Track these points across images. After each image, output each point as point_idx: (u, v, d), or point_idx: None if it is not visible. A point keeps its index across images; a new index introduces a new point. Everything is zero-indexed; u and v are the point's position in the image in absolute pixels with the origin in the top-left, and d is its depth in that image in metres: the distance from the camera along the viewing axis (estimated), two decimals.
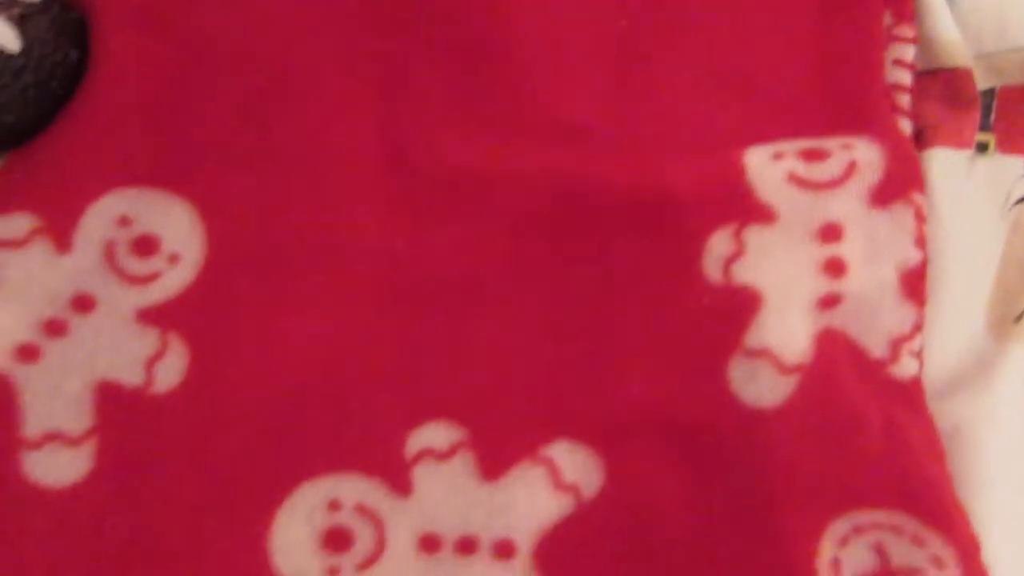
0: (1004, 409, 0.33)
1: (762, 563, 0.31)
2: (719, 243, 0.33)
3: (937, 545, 0.31)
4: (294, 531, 0.32)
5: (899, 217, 0.33)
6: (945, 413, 0.33)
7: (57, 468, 0.32)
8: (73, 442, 0.33)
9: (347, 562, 0.32)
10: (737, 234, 0.34)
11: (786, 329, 0.32)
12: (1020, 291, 0.34)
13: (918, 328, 0.33)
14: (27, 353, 0.33)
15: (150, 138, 0.35)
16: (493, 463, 0.33)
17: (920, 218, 0.34)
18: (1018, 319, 0.34)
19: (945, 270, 0.34)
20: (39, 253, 0.34)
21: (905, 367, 0.33)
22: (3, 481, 0.32)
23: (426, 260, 0.34)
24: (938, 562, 0.31)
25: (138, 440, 0.33)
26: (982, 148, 0.35)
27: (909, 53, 0.36)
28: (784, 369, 0.32)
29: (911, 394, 0.33)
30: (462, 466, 0.33)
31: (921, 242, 0.34)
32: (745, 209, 0.34)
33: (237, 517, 0.32)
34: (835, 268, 0.33)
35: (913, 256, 0.33)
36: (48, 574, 0.32)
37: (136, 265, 0.34)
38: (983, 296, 0.34)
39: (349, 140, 0.35)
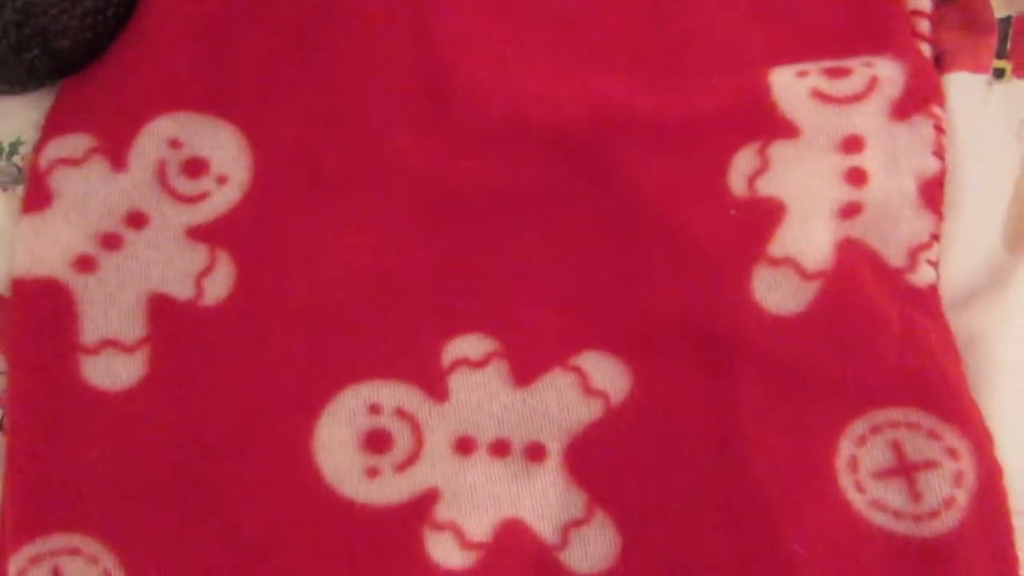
0: (1018, 318, 0.34)
1: (783, 463, 0.33)
2: (744, 160, 0.35)
3: (952, 437, 0.32)
4: (336, 432, 0.34)
5: (919, 128, 0.35)
6: (961, 324, 0.34)
7: (113, 373, 0.34)
8: (128, 349, 0.34)
9: (386, 462, 0.34)
10: (762, 151, 0.35)
11: (809, 237, 0.34)
12: None
13: (935, 237, 0.34)
14: (85, 264, 0.35)
15: (200, 65, 0.37)
16: (525, 371, 0.34)
17: (939, 130, 0.35)
18: None
19: (962, 189, 0.35)
20: (96, 171, 0.36)
21: (923, 275, 0.34)
22: (63, 383, 0.34)
23: (462, 180, 0.36)
24: (952, 453, 0.32)
25: (189, 348, 0.35)
26: (999, 74, 0.36)
27: None
28: (806, 275, 0.33)
29: (928, 301, 0.34)
30: (495, 374, 0.34)
31: (940, 152, 0.35)
32: (770, 126, 0.35)
33: (283, 419, 0.34)
34: (857, 177, 0.34)
35: (932, 166, 0.35)
36: (105, 469, 0.33)
37: (186, 185, 0.36)
38: (999, 213, 0.35)
39: (390, 66, 0.37)
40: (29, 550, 0.33)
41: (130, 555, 0.33)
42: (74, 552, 0.33)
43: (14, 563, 0.33)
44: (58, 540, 0.33)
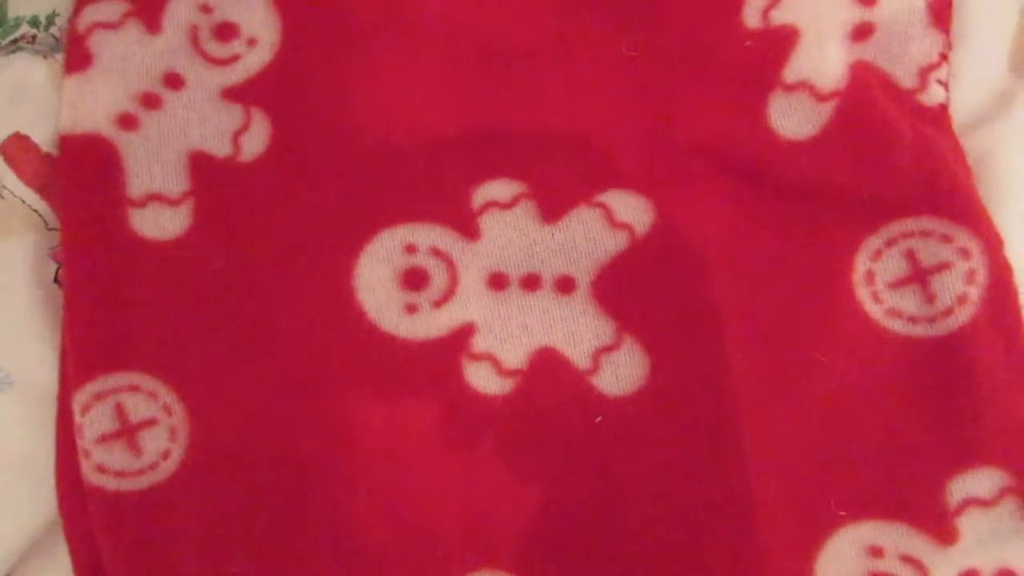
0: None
1: (802, 281, 0.34)
2: None
3: (964, 238, 0.34)
4: (376, 271, 0.36)
5: None
6: (970, 145, 0.35)
7: (160, 224, 0.36)
8: (172, 203, 0.36)
9: (424, 299, 0.36)
10: None
11: (822, 59, 0.35)
12: None
13: (944, 57, 0.35)
14: (127, 122, 0.36)
15: None
16: (552, 209, 0.36)
17: None
18: None
19: (969, 15, 0.36)
20: (132, 33, 0.37)
21: (933, 94, 0.35)
22: (114, 233, 0.36)
23: (484, 29, 0.37)
24: (964, 253, 0.34)
25: (230, 201, 0.36)
26: None
27: None
28: (820, 96, 0.35)
29: (939, 118, 0.35)
30: (524, 212, 0.36)
31: None
32: None
33: (324, 260, 0.36)
34: None
35: None
36: (159, 311, 0.35)
37: (218, 49, 0.37)
38: (1006, 40, 0.36)
39: None
40: (92, 387, 0.35)
41: (187, 390, 0.35)
42: (134, 389, 0.35)
43: (78, 400, 0.35)
44: (119, 378, 0.35)
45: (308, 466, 0.35)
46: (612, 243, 0.35)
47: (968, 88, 0.36)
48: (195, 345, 0.35)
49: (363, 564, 0.35)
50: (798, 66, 0.35)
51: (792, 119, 0.35)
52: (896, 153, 0.34)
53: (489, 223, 0.36)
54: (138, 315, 0.35)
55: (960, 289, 0.33)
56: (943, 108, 0.35)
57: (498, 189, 0.36)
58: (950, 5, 0.35)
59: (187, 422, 0.35)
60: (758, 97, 0.35)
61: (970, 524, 0.34)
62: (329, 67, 0.37)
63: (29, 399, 0.36)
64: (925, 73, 0.35)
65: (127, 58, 0.37)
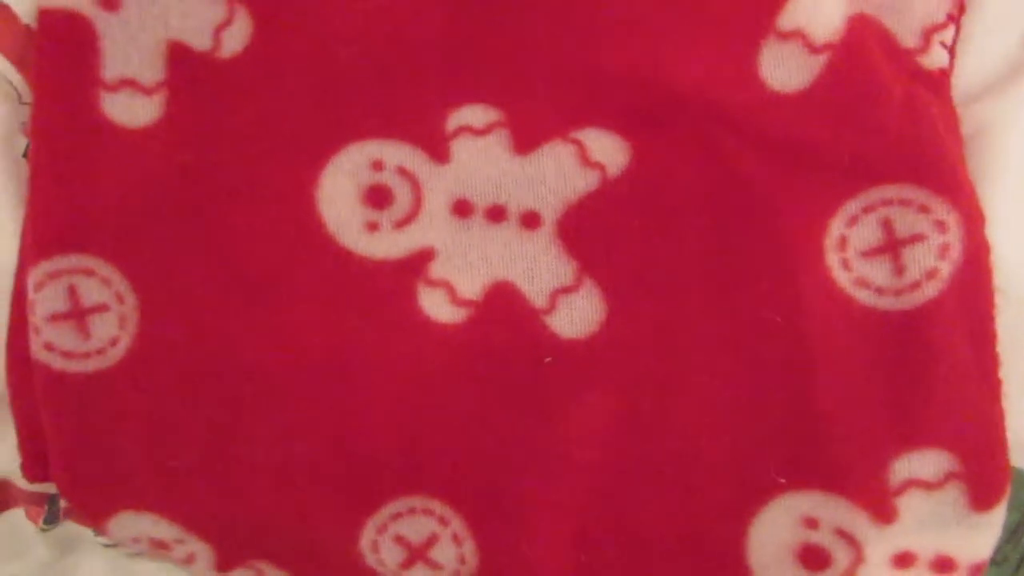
0: None
1: (772, 242, 0.33)
2: None
3: (942, 210, 0.32)
4: (340, 184, 0.35)
5: None
6: (973, 114, 0.34)
7: (131, 110, 0.35)
8: (146, 91, 0.35)
9: (385, 218, 0.35)
10: None
11: (819, 9, 0.33)
12: None
13: (952, 19, 0.33)
14: (108, 2, 0.35)
15: None
16: (526, 140, 0.35)
17: None
18: None
19: None
20: None
21: (935, 57, 0.33)
22: (83, 113, 0.35)
23: None
24: (941, 226, 0.32)
25: (204, 96, 0.35)
26: None
27: None
28: (814, 48, 0.33)
29: (937, 83, 0.33)
30: (497, 141, 0.35)
31: None
32: None
33: (290, 166, 0.35)
34: None
35: None
36: (120, 198, 0.35)
37: None
38: (1021, 11, 0.34)
39: None
40: (47, 266, 0.35)
41: (141, 281, 0.35)
42: (88, 273, 0.35)
43: (32, 276, 0.35)
44: (74, 259, 0.35)
45: (250, 372, 0.35)
46: (582, 182, 0.34)
47: (976, 57, 0.34)
48: (153, 237, 0.35)
49: (294, 475, 0.35)
50: (794, 12, 0.33)
51: (782, 69, 0.33)
52: (883, 116, 0.32)
53: (460, 148, 0.35)
54: (99, 199, 0.35)
55: (931, 263, 0.32)
56: (943, 73, 0.33)
57: (473, 115, 0.35)
58: None
59: (137, 312, 0.35)
60: (750, 43, 0.33)
61: (910, 505, 0.33)
62: None
63: None
64: (929, 34, 0.33)
65: None
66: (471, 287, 0.35)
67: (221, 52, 0.36)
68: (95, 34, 0.35)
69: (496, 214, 0.35)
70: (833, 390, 0.33)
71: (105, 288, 0.35)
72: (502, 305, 0.35)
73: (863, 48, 0.33)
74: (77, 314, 0.35)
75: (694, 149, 0.34)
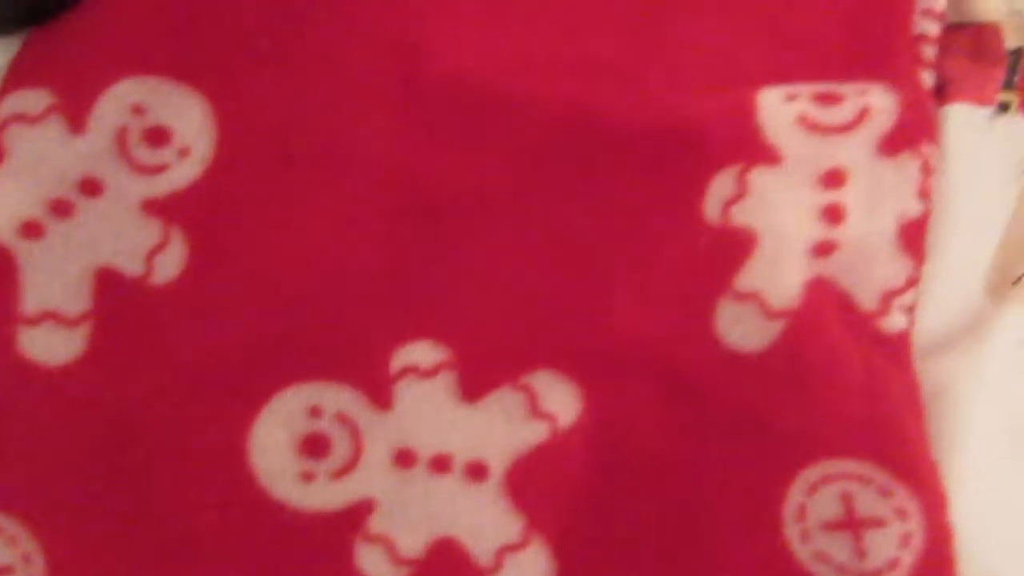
0: (993, 369, 0.32)
1: (729, 506, 0.32)
2: (722, 184, 0.33)
3: (903, 496, 0.31)
4: (274, 433, 0.33)
5: (904, 167, 0.33)
6: (934, 370, 0.32)
7: (51, 347, 0.33)
8: (69, 323, 0.33)
9: (322, 468, 0.33)
10: (741, 176, 0.33)
11: (777, 273, 0.32)
12: (1023, 255, 0.34)
13: (912, 283, 0.33)
14: (32, 230, 0.34)
15: (171, 29, 0.35)
16: (474, 385, 0.33)
17: (926, 170, 0.33)
18: (1016, 281, 0.34)
19: (950, 227, 0.33)
20: (53, 131, 0.34)
21: (894, 321, 0.32)
22: None
23: (431, 178, 0.34)
24: (902, 513, 0.31)
25: (132, 328, 0.34)
26: (1003, 108, 0.34)
27: (939, 3, 0.35)
28: (770, 314, 0.32)
29: (897, 348, 0.32)
30: (443, 386, 0.33)
31: (924, 194, 0.33)
32: (752, 150, 0.33)
33: (220, 413, 0.33)
34: (833, 215, 0.33)
35: (913, 208, 0.33)
36: (33, 447, 0.32)
37: (146, 155, 0.34)
38: (985, 257, 0.33)
39: (366, 49, 0.35)
40: None
41: (50, 541, 0.32)
42: None
43: None
44: None
45: None
46: (531, 434, 0.33)
47: (938, 306, 0.33)
48: (67, 492, 0.32)
49: None
50: (751, 276, 0.32)
51: (739, 329, 0.32)
52: (842, 390, 0.31)
53: (404, 392, 0.33)
54: (9, 448, 0.32)
55: (892, 553, 0.31)
56: (903, 337, 0.32)
57: (420, 353, 0.33)
58: (923, 230, 0.32)
59: None
60: (707, 300, 0.32)
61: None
62: (261, 194, 0.34)
63: None
64: (888, 298, 0.32)
65: (43, 159, 0.34)
66: (413, 544, 0.32)
67: (154, 279, 0.34)
68: (16, 264, 0.33)
69: (440, 464, 0.33)
70: None
71: (12, 549, 0.32)
72: (445, 565, 0.32)
73: (821, 318, 0.32)
74: None
75: (649, 404, 0.32)
